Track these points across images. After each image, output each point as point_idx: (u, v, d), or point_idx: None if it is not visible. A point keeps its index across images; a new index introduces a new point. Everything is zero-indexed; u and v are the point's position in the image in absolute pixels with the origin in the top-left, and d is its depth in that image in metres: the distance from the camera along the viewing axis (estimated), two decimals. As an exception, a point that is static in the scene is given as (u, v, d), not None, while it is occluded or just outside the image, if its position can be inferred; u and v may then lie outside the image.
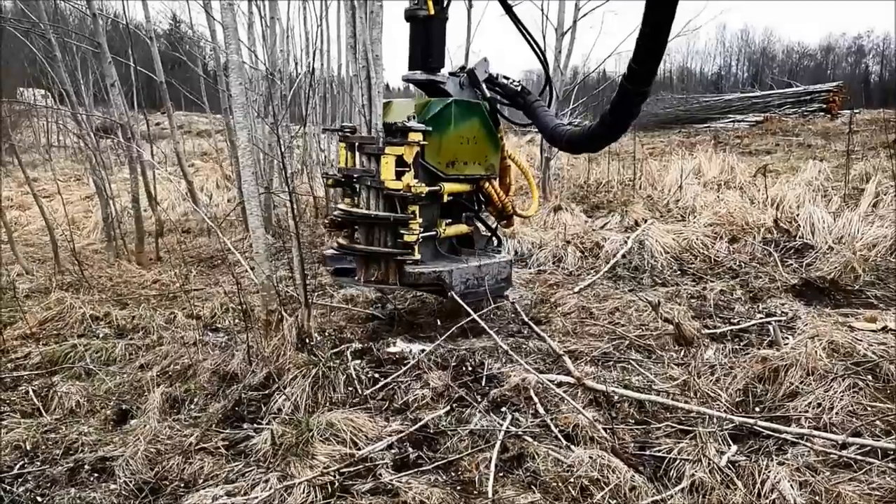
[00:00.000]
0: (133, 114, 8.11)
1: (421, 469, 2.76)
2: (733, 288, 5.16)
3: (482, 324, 4.00)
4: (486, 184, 4.51)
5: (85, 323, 4.68)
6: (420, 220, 4.06)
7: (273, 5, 7.87)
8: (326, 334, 4.25)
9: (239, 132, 3.80)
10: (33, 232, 8.97)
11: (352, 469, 2.75)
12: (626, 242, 6.22)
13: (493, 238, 4.87)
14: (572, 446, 2.85)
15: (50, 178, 12.57)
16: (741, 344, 4.05)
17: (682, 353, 3.96)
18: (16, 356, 4.16)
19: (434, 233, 4.31)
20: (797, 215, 6.62)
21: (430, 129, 4.02)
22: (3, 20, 7.34)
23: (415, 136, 3.93)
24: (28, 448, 3.00)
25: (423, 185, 3.98)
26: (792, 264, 5.68)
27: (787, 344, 3.79)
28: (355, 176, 4.11)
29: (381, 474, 2.71)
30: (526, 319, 4.51)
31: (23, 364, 4.04)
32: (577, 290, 5.28)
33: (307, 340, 3.93)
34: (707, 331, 4.26)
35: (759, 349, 3.81)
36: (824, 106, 20.07)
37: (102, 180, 6.90)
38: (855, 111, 15.92)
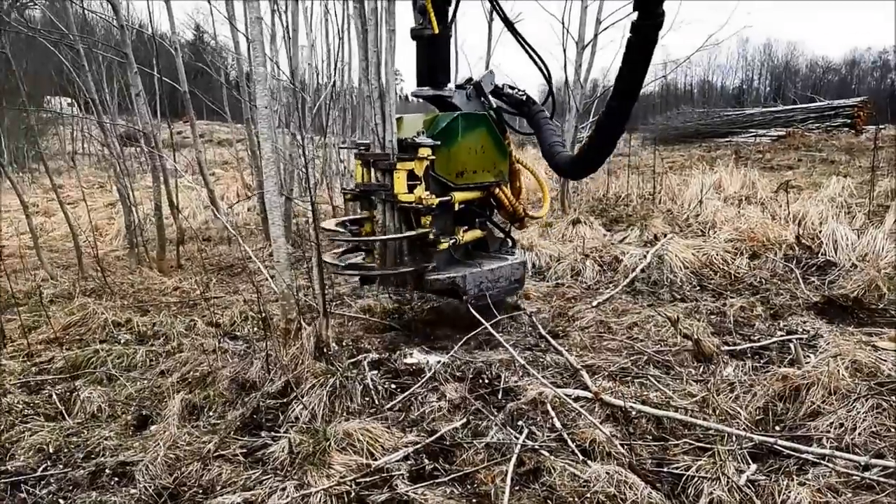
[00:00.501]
0: (156, 122, 8.24)
1: (437, 481, 2.76)
2: (754, 304, 5.10)
3: (499, 337, 4.00)
4: (497, 189, 4.65)
5: (107, 329, 4.76)
6: (436, 232, 4.20)
7: (296, 18, 7.97)
8: (344, 344, 4.28)
9: (263, 143, 3.85)
10: (57, 238, 9.14)
11: (368, 479, 2.76)
12: (645, 257, 6.18)
13: (508, 240, 5.02)
14: (589, 461, 2.84)
15: (74, 185, 12.81)
16: (761, 361, 4.00)
17: (701, 369, 3.93)
18: (40, 360, 4.23)
19: (453, 240, 4.41)
20: (820, 232, 6.54)
21: (439, 143, 4.17)
22: (35, 31, 7.49)
23: (424, 151, 4.07)
24: (51, 451, 3.06)
25: (434, 196, 4.13)
26: (814, 281, 5.62)
27: (808, 362, 3.74)
28: (371, 190, 4.27)
29: (397, 485, 2.72)
30: (543, 333, 4.50)
31: (47, 368, 4.11)
32: (595, 304, 5.26)
33: (325, 350, 3.96)
34: (726, 347, 4.22)
35: (779, 367, 3.76)
36: (849, 121, 19.85)
37: (126, 188, 7.01)
38: (880, 126, 15.73)
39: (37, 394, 3.75)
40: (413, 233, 4.15)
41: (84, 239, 7.14)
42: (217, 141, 24.25)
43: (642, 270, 6.00)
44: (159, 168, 6.94)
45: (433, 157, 4.15)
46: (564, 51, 9.11)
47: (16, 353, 4.35)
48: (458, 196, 4.38)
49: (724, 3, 9.77)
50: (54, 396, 3.65)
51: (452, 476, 2.79)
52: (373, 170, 4.23)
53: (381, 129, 4.03)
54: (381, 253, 4.40)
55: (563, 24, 8.99)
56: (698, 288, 5.74)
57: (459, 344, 4.20)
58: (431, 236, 4.16)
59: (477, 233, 4.70)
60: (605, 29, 8.95)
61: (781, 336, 4.42)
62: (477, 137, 4.45)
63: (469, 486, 2.74)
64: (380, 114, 4.00)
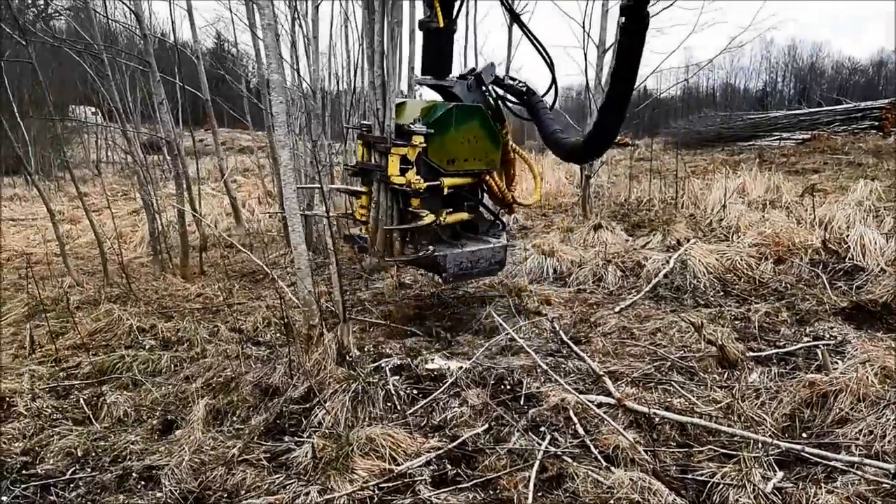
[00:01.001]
0: (178, 131, 8.32)
1: (459, 486, 2.76)
2: (779, 310, 5.03)
3: (522, 342, 3.99)
4: (487, 176, 4.88)
5: (132, 334, 4.82)
6: (426, 214, 4.44)
7: (315, 25, 8.04)
8: (365, 350, 4.29)
9: (280, 150, 3.88)
10: (83, 245, 9.27)
11: (391, 484, 2.77)
12: (667, 262, 6.13)
13: (498, 222, 5.20)
14: (612, 468, 2.82)
15: (99, 192, 13.01)
16: (787, 368, 3.95)
17: (726, 375, 3.89)
18: (67, 365, 4.30)
19: (436, 221, 4.57)
20: (847, 236, 6.43)
21: (432, 131, 4.40)
22: (61, 41, 7.63)
23: (417, 139, 4.34)
24: (79, 455, 3.11)
25: (423, 180, 4.34)
26: (841, 287, 5.53)
27: (836, 369, 3.69)
28: (369, 169, 4.63)
29: (419, 490, 2.72)
30: (565, 339, 4.49)
31: (74, 373, 4.18)
32: (617, 309, 5.22)
33: (347, 356, 3.99)
34: (751, 353, 4.17)
35: (806, 374, 3.71)
36: (876, 123, 19.48)
37: (149, 196, 7.10)
38: (908, 129, 15.44)
39: (65, 398, 3.81)
40: (419, 224, 4.41)
41: (109, 246, 7.24)
42: (238, 148, 24.45)
43: (665, 276, 5.95)
44: (182, 175, 7.02)
45: (425, 145, 4.38)
46: (585, 55, 9.09)
47: (44, 359, 4.42)
48: (448, 181, 4.58)
49: (747, 4, 9.64)
50: (81, 401, 3.70)
51: (475, 482, 2.79)
52: (372, 150, 4.52)
53: (382, 114, 4.31)
54: (372, 229, 4.66)
55: (583, 27, 8.97)
56: (722, 293, 5.68)
57: (481, 350, 4.20)
58: (424, 219, 4.39)
59: (463, 215, 4.90)
60: (626, 33, 8.88)
61: (808, 342, 4.36)
62: (470, 128, 4.65)
63: (491, 492, 2.74)
64: (381, 99, 4.29)
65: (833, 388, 3.32)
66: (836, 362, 3.85)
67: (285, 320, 4.24)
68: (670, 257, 6.22)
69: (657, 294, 5.69)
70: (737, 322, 4.88)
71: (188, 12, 8.43)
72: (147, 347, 4.60)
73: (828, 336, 4.46)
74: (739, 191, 9.81)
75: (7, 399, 3.70)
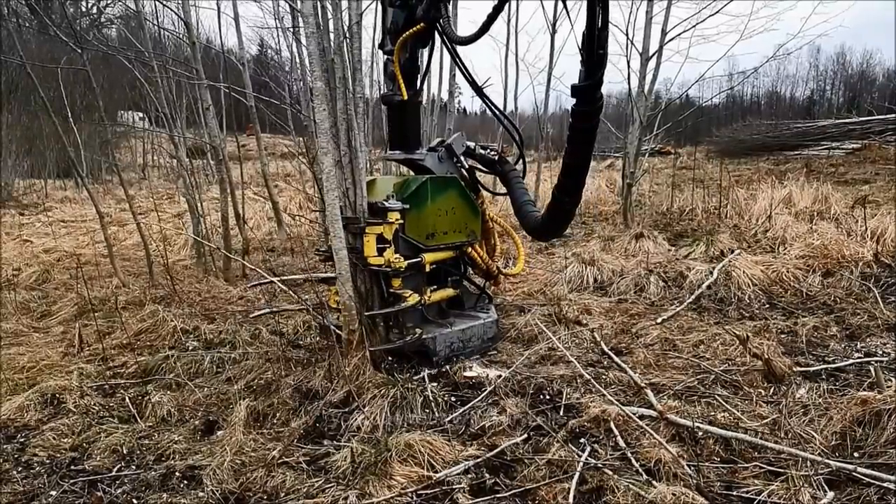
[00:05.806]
0: (223, 136, 8.47)
1: (498, 496, 2.73)
2: (828, 324, 4.89)
3: (565, 351, 3.95)
4: (469, 248, 4.72)
5: (176, 335, 4.91)
6: (410, 294, 4.20)
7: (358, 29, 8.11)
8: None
9: (323, 157, 3.91)
10: (129, 247, 9.51)
11: (429, 492, 2.75)
12: (711, 273, 6.01)
13: (484, 296, 5.04)
14: (654, 481, 2.76)
15: (145, 195, 13.34)
16: (837, 384, 3.82)
17: (772, 390, 3.78)
18: (114, 364, 4.40)
19: (421, 300, 4.34)
20: (900, 249, 6.24)
21: (408, 206, 4.23)
22: (115, 49, 7.86)
23: (393, 216, 4.14)
24: (124, 452, 3.18)
25: (403, 258, 4.15)
26: (894, 301, 5.35)
27: (890, 386, 3.55)
28: None
29: (457, 498, 2.70)
30: (606, 349, 4.42)
31: (120, 372, 4.28)
32: (659, 320, 5.13)
33: (383, 361, 4.00)
34: (799, 368, 4.05)
35: (858, 391, 3.59)
36: (930, 133, 18.87)
37: (194, 199, 7.24)
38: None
39: (111, 396, 3.90)
40: (403, 306, 4.14)
41: (154, 248, 7.40)
42: (279, 154, 24.84)
43: (708, 287, 5.84)
44: (226, 180, 7.15)
45: (402, 221, 4.22)
46: (628, 62, 9.02)
47: (92, 357, 4.54)
48: (429, 257, 4.40)
49: (795, 11, 9.45)
50: (127, 400, 3.79)
51: (513, 492, 2.76)
52: (345, 232, 4.21)
53: (352, 194, 4.07)
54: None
55: (626, 35, 8.90)
56: (768, 306, 5.55)
57: (521, 359, 4.17)
58: (409, 300, 4.15)
59: (448, 291, 4.71)
60: (671, 40, 8.82)
61: (859, 358, 4.22)
62: (447, 199, 4.49)
63: (530, 502, 2.71)
64: (350, 178, 4.03)
65: (887, 407, 3.19)
66: (890, 380, 3.71)
67: (325, 325, 4.27)
68: (714, 268, 6.10)
69: (700, 305, 5.58)
70: (783, 336, 4.75)
71: (234, 19, 8.61)
72: (190, 348, 4.68)
73: (881, 352, 4.31)
74: (786, 201, 9.58)
75: (57, 396, 3.81)
